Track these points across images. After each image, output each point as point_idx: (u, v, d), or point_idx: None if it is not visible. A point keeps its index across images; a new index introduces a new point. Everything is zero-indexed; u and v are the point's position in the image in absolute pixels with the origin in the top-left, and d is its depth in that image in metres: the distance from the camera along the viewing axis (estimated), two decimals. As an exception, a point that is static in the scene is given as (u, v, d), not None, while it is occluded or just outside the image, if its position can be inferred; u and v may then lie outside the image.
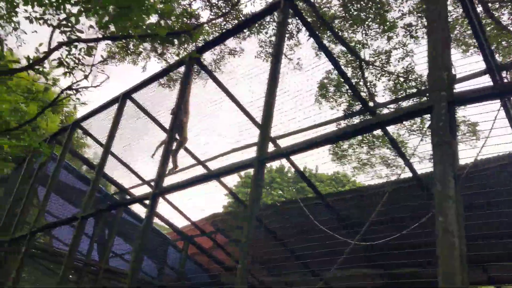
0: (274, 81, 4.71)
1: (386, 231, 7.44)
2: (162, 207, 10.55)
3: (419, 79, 11.04)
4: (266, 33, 11.27)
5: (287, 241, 9.67)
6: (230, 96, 7.03)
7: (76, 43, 5.08)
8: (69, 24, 4.78)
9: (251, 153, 7.85)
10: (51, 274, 12.47)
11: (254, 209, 4.07)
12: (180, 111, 7.48)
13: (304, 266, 9.92)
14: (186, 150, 8.69)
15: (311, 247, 9.18)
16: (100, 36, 5.91)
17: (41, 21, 5.80)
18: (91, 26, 5.35)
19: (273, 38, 11.87)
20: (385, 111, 11.25)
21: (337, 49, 13.44)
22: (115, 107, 8.19)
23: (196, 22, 10.08)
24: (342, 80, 9.72)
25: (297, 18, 6.18)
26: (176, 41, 6.06)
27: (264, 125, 4.51)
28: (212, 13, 11.56)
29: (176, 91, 11.29)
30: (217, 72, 12.93)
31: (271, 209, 10.23)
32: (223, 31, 9.83)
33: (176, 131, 7.47)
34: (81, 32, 4.82)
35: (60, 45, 4.96)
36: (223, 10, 11.30)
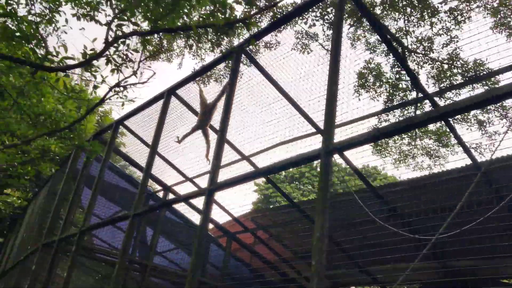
0: (336, 66, 4.50)
1: (440, 223, 7.15)
2: (200, 203, 10.42)
3: (465, 65, 10.62)
4: (306, 23, 11.00)
5: (335, 235, 9.43)
6: (278, 88, 6.83)
7: (129, 38, 4.96)
8: (125, 18, 4.67)
9: (299, 146, 7.66)
10: (91, 273, 12.58)
11: (325, 202, 3.87)
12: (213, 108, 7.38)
13: (350, 259, 9.67)
14: (229, 143, 8.53)
15: (360, 241, 8.95)
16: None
17: (88, 18, 5.73)
18: (134, 23, 5.22)
19: (311, 29, 11.62)
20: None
21: (373, 38, 13.11)
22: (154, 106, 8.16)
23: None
24: (400, 68, 9.42)
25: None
26: (220, 34, 5.87)
27: (329, 114, 4.30)
28: (247, 7, 11.40)
29: (211, 87, 11.15)
30: (251, 66, 12.76)
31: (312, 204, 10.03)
32: (275, 19, 9.64)
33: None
34: (137, 25, 4.71)
35: (117, 38, 4.85)
36: (260, 4, 11.14)
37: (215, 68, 12.21)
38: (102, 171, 8.22)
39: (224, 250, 11.29)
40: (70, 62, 5.07)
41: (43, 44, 4.98)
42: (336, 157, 8.20)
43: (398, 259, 8.68)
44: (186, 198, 5.88)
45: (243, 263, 11.50)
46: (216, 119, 7.35)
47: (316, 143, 7.81)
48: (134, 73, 6.02)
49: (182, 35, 13.08)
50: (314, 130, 7.28)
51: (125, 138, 12.99)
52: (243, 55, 6.25)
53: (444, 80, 11.44)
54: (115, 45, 5.45)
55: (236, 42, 12.71)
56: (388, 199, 8.01)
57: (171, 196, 10.36)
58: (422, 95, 8.21)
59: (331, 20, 11.03)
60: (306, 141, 8.12)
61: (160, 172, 10.31)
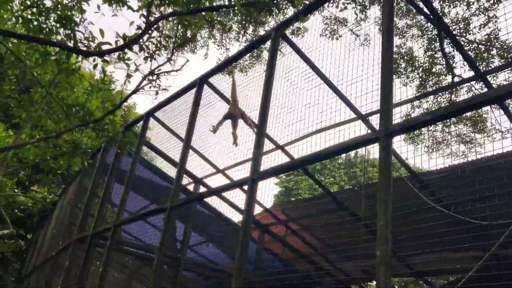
0: (390, 40, 4.18)
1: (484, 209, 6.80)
2: (231, 196, 10.21)
3: (505, 47, 10.14)
4: (337, 6, 10.64)
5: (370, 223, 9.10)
6: (319, 73, 6.53)
7: (164, 21, 4.74)
8: (159, 2, 4.42)
9: (336, 134, 7.33)
10: (120, 269, 12.50)
11: (388, 189, 3.57)
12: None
13: (398, 250, 9.34)
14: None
15: (399, 230, 8.60)
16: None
17: (120, 4, 5.51)
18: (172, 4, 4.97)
19: (341, 14, 11.25)
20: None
21: (402, 22, 12.68)
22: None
23: None
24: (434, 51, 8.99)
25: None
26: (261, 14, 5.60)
27: (386, 94, 4.00)
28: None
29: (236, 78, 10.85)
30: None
31: (346, 193, 9.72)
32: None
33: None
34: (176, 6, 4.44)
35: (159, 19, 4.60)
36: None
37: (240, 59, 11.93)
38: (135, 164, 8.05)
39: (256, 243, 11.08)
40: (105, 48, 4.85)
41: (78, 29, 4.77)
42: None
43: (451, 248, 8.33)
44: (224, 189, 5.63)
45: (275, 255, 11.26)
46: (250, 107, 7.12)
47: (354, 130, 7.49)
48: (169, 59, 5.80)
49: (207, 26, 12.81)
50: (353, 116, 6.96)
51: (148, 131, 12.86)
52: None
53: (480, 62, 10.97)
54: (149, 31, 5.23)
55: (263, 29, 12.42)
56: (431, 186, 7.65)
57: (202, 189, 10.16)
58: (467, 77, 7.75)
59: (363, 3, 10.64)
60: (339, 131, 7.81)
61: (188, 163, 10.10)
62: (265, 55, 12.09)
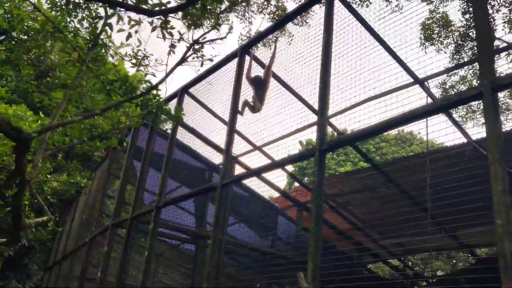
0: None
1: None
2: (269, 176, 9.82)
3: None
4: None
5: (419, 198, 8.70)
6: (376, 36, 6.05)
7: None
8: None
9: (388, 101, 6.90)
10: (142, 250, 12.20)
11: (499, 149, 3.15)
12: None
13: (437, 225, 8.96)
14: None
15: (444, 205, 8.19)
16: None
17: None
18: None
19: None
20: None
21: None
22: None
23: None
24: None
25: None
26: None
27: (486, 44, 3.54)
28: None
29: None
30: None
31: (390, 166, 9.30)
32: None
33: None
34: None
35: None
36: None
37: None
38: (172, 144, 7.67)
39: (293, 222, 10.75)
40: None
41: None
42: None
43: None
44: (283, 163, 5.19)
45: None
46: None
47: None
48: (214, 26, 5.34)
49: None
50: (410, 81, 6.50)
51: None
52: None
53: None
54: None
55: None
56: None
57: (238, 167, 9.79)
58: None
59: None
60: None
61: (220, 141, 9.65)
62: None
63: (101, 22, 5.05)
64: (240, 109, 6.54)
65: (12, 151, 5.74)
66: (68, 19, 6.56)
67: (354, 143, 4.58)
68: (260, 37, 6.60)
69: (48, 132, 5.87)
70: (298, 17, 6.13)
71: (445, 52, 11.60)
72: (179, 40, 5.43)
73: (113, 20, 5.03)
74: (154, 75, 5.63)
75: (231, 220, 11.69)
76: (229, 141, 6.19)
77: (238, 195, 10.73)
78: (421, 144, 33.37)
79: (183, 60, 5.50)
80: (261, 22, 11.52)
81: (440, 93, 12.07)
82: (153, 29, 4.79)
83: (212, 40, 5.73)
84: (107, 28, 5.26)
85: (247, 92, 7.24)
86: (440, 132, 5.77)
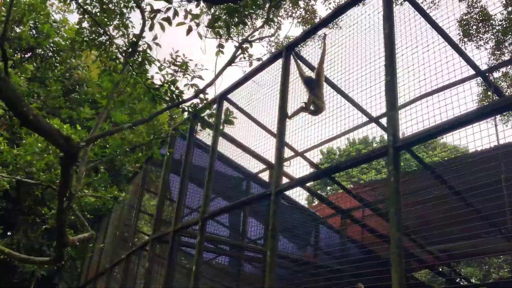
0: None
1: None
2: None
3: None
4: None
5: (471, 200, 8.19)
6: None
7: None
8: None
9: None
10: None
11: None
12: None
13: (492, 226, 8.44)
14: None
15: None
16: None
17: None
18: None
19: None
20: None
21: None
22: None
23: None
24: None
25: None
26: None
27: None
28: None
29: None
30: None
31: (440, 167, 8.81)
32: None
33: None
34: None
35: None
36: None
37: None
38: (214, 152, 7.33)
39: (335, 231, 10.28)
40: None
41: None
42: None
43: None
44: (358, 162, 4.77)
45: (355, 242, 10.44)
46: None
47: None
48: (267, 21, 5.02)
49: None
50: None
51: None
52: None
53: None
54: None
55: None
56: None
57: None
58: None
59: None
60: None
61: (258, 148, 9.26)
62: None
63: (159, 16, 4.75)
64: (291, 114, 6.16)
65: (59, 162, 5.47)
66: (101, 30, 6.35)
67: (433, 139, 4.15)
68: (306, 35, 6.25)
69: (94, 142, 5.59)
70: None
71: (486, 48, 11.12)
72: (226, 40, 5.11)
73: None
74: (201, 77, 5.30)
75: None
76: (280, 146, 5.83)
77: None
78: (444, 149, 32.38)
79: (232, 60, 5.18)
80: (290, 27, 11.04)
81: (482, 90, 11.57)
82: (209, 26, 4.47)
83: (262, 38, 5.40)
84: (154, 30, 4.96)
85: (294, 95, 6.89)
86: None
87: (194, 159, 9.35)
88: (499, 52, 11.30)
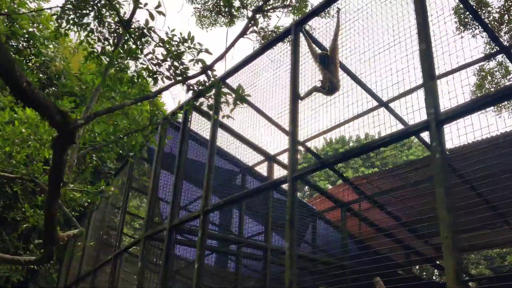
0: None
1: None
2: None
3: None
4: None
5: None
6: None
7: None
8: None
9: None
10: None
11: None
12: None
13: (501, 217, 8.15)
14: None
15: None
16: None
17: None
18: None
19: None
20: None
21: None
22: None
23: None
24: None
25: None
26: None
27: None
28: None
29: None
30: None
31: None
32: None
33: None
34: None
35: None
36: None
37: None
38: (214, 144, 6.76)
39: (333, 226, 9.84)
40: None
41: None
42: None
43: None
44: (395, 139, 4.26)
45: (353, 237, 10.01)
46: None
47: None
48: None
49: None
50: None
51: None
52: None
53: None
54: None
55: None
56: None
57: (276, 167, 8.89)
58: None
59: None
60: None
61: (256, 138, 8.70)
62: None
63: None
64: (303, 95, 5.68)
65: (51, 144, 4.80)
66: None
67: (477, 112, 3.73)
68: (318, 9, 5.77)
69: (90, 122, 4.95)
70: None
71: (482, 37, 10.91)
72: (238, 9, 4.57)
73: None
74: (208, 51, 4.75)
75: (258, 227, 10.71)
76: (293, 129, 5.32)
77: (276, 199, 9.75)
78: (419, 147, 32.45)
79: (244, 32, 4.67)
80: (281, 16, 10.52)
81: (478, 80, 11.38)
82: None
83: (275, 8, 4.89)
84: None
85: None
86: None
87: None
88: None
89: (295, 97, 5.51)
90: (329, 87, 5.38)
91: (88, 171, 7.02)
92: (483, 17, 10.79)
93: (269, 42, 6.30)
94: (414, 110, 4.65)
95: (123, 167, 10.46)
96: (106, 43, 6.33)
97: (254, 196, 8.31)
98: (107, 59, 6.05)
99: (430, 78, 3.98)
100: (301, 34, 5.91)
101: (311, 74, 6.14)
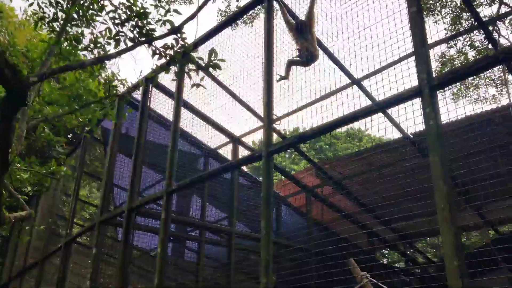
0: None
1: None
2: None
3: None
4: None
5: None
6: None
7: None
8: None
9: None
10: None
11: None
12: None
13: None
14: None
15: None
16: None
17: None
18: None
19: None
20: None
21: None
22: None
23: None
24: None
25: None
26: None
27: None
28: None
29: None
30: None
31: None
32: None
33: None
34: None
35: None
36: None
37: None
38: (178, 120, 6.28)
39: (294, 210, 9.60)
40: None
41: None
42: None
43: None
44: (385, 106, 3.96)
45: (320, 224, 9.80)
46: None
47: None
48: None
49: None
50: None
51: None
52: None
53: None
54: None
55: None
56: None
57: (241, 149, 8.50)
58: None
59: None
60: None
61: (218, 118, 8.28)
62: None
63: None
64: (284, 74, 5.36)
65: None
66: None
67: (471, 76, 3.52)
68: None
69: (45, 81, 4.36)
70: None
71: (444, 23, 10.97)
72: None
73: None
74: (177, 11, 4.29)
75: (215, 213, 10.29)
76: (269, 101, 4.96)
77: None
78: (369, 140, 32.93)
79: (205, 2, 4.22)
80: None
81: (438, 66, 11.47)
82: None
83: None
84: None
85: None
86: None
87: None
88: (456, 27, 11.19)
89: (269, 67, 5.13)
90: (307, 56, 5.05)
91: (39, 145, 6.35)
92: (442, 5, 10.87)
93: (242, 9, 5.89)
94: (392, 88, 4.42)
95: (76, 149, 9.73)
96: (59, 7, 5.71)
97: (224, 174, 7.89)
98: (60, 25, 5.46)
99: (422, 44, 3.73)
100: (275, 3, 5.54)
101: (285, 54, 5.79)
